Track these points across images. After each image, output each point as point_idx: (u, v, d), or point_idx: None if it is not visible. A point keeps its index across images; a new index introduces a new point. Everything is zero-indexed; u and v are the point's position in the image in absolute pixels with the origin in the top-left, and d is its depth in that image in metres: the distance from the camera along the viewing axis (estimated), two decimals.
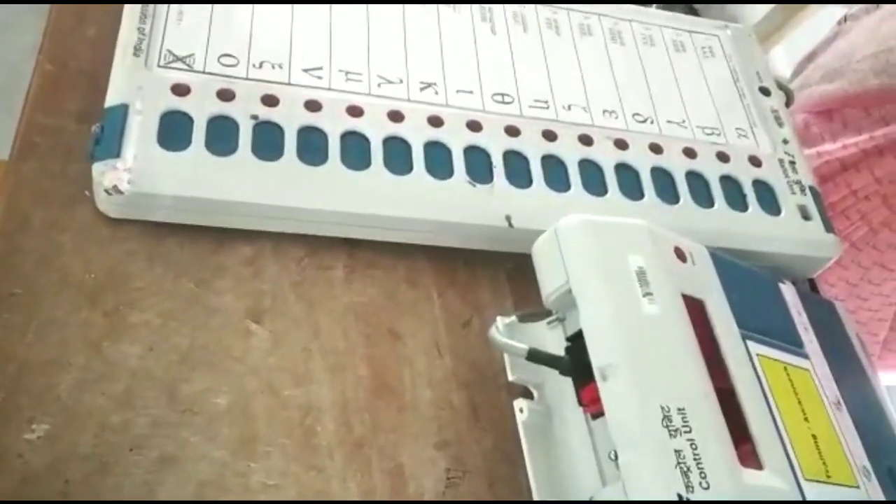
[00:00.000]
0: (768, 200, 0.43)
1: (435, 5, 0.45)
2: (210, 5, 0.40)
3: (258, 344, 0.34)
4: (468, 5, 0.46)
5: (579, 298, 0.31)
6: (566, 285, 0.32)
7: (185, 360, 0.33)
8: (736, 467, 0.28)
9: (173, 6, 0.39)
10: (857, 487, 0.33)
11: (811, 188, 0.45)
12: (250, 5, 0.41)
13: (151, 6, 0.39)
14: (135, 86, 0.36)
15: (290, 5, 0.41)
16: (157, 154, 0.34)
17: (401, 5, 0.44)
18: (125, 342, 0.32)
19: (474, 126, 0.40)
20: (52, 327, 0.32)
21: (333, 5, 0.42)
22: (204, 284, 0.35)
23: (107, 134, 0.34)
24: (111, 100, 0.35)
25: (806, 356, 0.37)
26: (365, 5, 0.43)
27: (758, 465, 0.30)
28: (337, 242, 0.38)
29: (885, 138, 0.64)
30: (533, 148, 0.41)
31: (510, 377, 0.35)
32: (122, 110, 0.35)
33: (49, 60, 0.39)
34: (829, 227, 0.44)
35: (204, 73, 0.38)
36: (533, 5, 0.47)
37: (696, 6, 0.75)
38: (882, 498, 0.34)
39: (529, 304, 0.37)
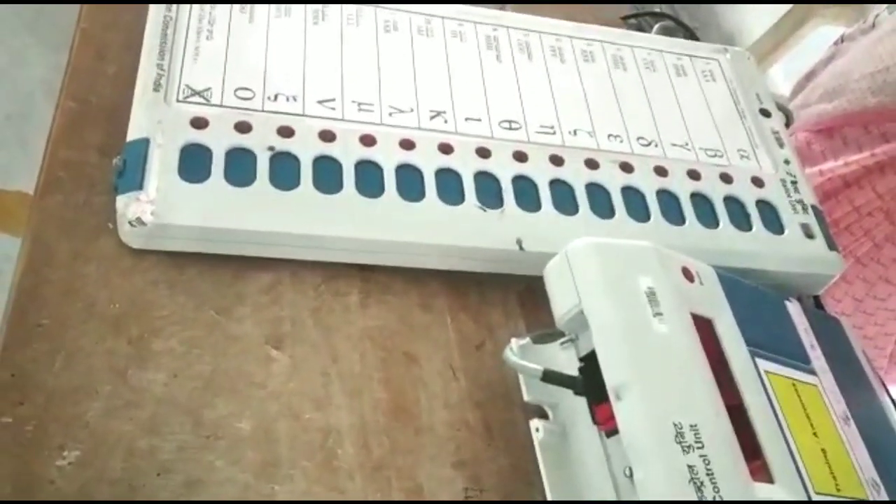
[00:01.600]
0: (772, 220, 0.44)
1: (443, 37, 0.46)
2: (226, 40, 0.41)
3: (278, 369, 0.35)
4: (474, 33, 0.47)
5: (591, 319, 0.32)
6: (578, 307, 0.33)
7: (208, 387, 0.34)
8: (748, 482, 0.29)
9: (191, 39, 0.41)
10: (867, 501, 0.34)
11: (813, 207, 0.46)
12: (264, 36, 0.42)
13: (170, 40, 0.40)
14: (155, 120, 0.37)
15: (302, 39, 0.43)
16: (178, 186, 0.35)
17: (409, 35, 0.45)
18: (150, 369, 0.33)
19: (483, 153, 0.41)
20: (79, 356, 0.33)
21: (344, 38, 0.43)
22: (224, 312, 0.36)
23: (129, 167, 0.36)
24: (133, 134, 0.37)
25: (813, 372, 0.38)
26: (375, 36, 0.44)
27: (769, 479, 0.30)
28: (352, 269, 0.39)
29: (885, 155, 0.65)
30: (541, 173, 0.42)
31: (526, 398, 0.35)
32: (144, 144, 0.36)
33: (71, 98, 0.40)
34: (832, 245, 0.44)
35: (221, 106, 0.39)
36: (538, 34, 0.48)
37: (694, 26, 0.76)
38: None
39: (540, 324, 0.38)
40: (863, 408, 0.39)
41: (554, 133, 0.44)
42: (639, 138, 0.46)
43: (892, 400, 0.42)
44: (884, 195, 0.67)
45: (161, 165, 0.36)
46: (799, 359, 0.38)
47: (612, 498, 0.31)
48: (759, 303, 0.39)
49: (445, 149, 0.41)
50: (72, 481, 0.30)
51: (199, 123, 0.38)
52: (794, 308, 0.41)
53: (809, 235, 0.44)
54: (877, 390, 0.43)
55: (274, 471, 0.33)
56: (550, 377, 0.33)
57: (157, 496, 0.30)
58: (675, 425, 0.29)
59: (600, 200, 0.42)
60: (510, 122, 0.44)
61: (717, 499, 0.27)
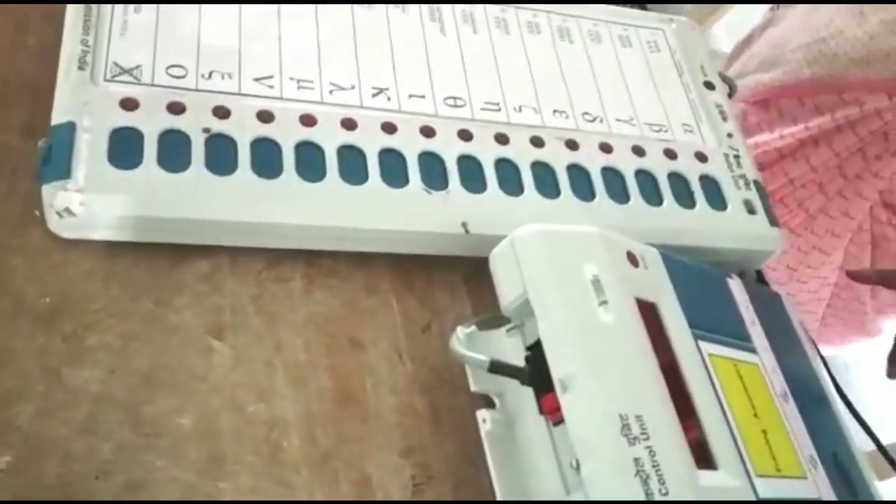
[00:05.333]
0: (715, 196, 0.45)
1: (384, 5, 0.44)
2: (155, 13, 0.39)
3: (220, 361, 0.34)
4: (417, 5, 0.45)
5: (537, 309, 0.32)
6: (524, 296, 0.33)
7: (147, 382, 0.33)
8: (692, 471, 0.29)
9: (117, 13, 0.38)
10: (805, 478, 0.35)
11: (755, 182, 0.46)
12: (196, 9, 0.40)
13: (94, 14, 0.38)
14: (81, 101, 0.35)
15: (237, 9, 0.41)
16: (108, 173, 0.34)
17: (349, 5, 0.44)
18: (85, 367, 0.32)
19: (428, 132, 0.41)
20: (9, 356, 0.31)
21: (281, 12, 0.42)
22: (162, 303, 0.35)
23: (55, 153, 0.34)
24: (57, 117, 0.35)
25: (754, 350, 0.38)
26: (314, 9, 0.43)
27: (712, 465, 0.31)
28: (295, 253, 0.38)
29: (819, 128, 0.66)
30: (486, 152, 0.41)
31: (472, 388, 0.35)
32: (70, 128, 0.34)
33: None
34: (773, 221, 0.45)
35: (153, 85, 0.37)
36: (482, 4, 0.47)
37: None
38: (828, 485, 0.36)
39: (487, 306, 0.38)
40: (800, 382, 0.40)
41: (499, 110, 0.43)
42: (584, 114, 0.45)
43: (830, 374, 0.44)
44: (817, 168, 0.69)
45: (89, 151, 0.34)
46: (740, 338, 0.38)
47: (560, 489, 0.31)
48: (701, 283, 0.39)
49: (389, 128, 0.40)
50: (5, 488, 0.29)
51: (128, 105, 0.36)
52: (735, 285, 0.41)
53: (751, 211, 0.45)
54: (813, 363, 0.44)
55: (218, 467, 0.32)
56: (497, 368, 0.32)
57: (97, 501, 0.29)
58: (621, 416, 0.29)
59: (546, 180, 0.41)
60: (455, 98, 0.43)
61: (662, 491, 0.28)
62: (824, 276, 0.74)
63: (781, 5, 0.76)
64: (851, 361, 1.22)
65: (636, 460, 0.28)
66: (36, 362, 0.32)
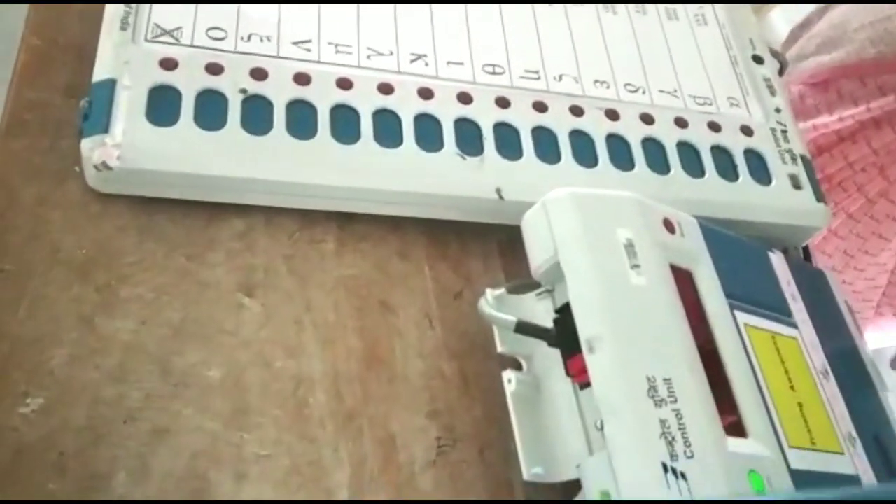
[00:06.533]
0: (759, 170, 0.43)
1: None
2: None
3: (250, 317, 0.35)
4: None
5: (567, 271, 0.31)
6: (554, 258, 0.32)
7: (177, 334, 0.33)
8: (720, 436, 0.29)
9: None
10: (843, 454, 0.34)
11: (802, 157, 0.45)
12: None
13: None
14: (122, 60, 0.36)
15: None
16: (145, 129, 0.34)
17: None
18: (117, 317, 0.33)
19: (465, 98, 0.40)
20: (44, 303, 0.32)
21: None
22: (196, 259, 0.35)
23: (95, 109, 0.34)
24: (99, 74, 0.35)
25: (794, 325, 0.37)
26: None
27: (742, 433, 0.30)
28: (328, 216, 0.38)
29: (881, 110, 0.64)
30: (523, 119, 0.41)
31: (499, 349, 0.35)
32: (110, 85, 0.35)
33: (36, 35, 0.39)
34: (819, 196, 0.44)
35: (192, 46, 0.37)
36: None
37: None
38: (867, 464, 0.34)
39: (520, 275, 0.37)
40: (843, 361, 0.39)
41: (538, 78, 0.43)
42: (626, 84, 0.44)
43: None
44: (878, 150, 0.66)
45: (128, 108, 0.34)
46: (780, 311, 0.37)
47: (584, 448, 0.31)
48: (741, 254, 0.38)
49: (425, 94, 0.40)
50: (36, 428, 0.29)
51: (168, 64, 0.36)
52: (777, 259, 0.40)
53: (797, 186, 0.43)
54: (858, 344, 0.42)
55: (243, 419, 0.32)
56: (524, 328, 0.32)
57: (124, 444, 0.30)
58: (648, 379, 0.28)
59: (584, 148, 0.41)
60: (493, 66, 0.42)
61: (688, 454, 0.27)
62: (883, 263, 0.72)
63: None
64: None
65: (662, 422, 0.27)
66: (70, 310, 0.32)
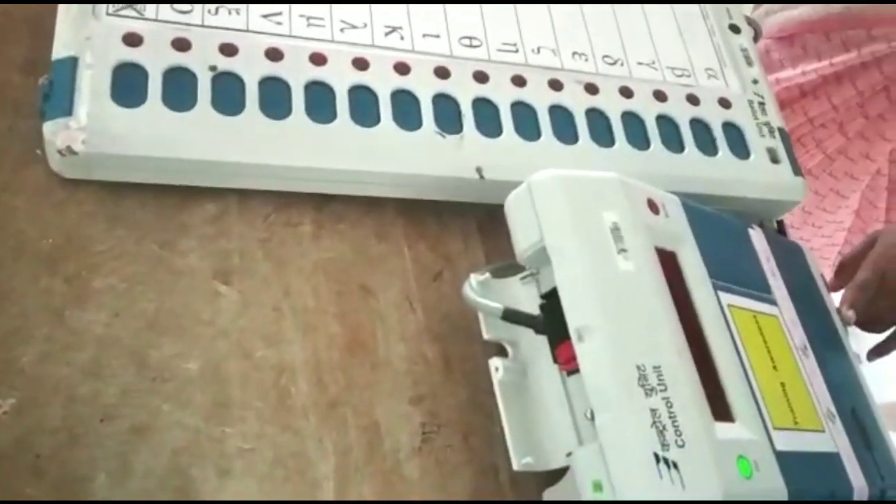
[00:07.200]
0: (738, 143, 0.43)
1: None
2: None
3: (227, 305, 0.34)
4: None
5: (554, 257, 0.31)
6: (540, 243, 0.31)
7: (152, 326, 0.32)
8: (709, 423, 0.29)
9: None
10: (823, 431, 0.34)
11: (780, 130, 0.45)
12: None
13: None
14: (83, 36, 0.34)
15: None
16: (111, 111, 0.33)
17: None
18: (89, 309, 0.31)
19: (442, 73, 0.39)
20: (12, 297, 0.31)
21: None
22: (168, 246, 0.34)
23: (56, 90, 0.33)
24: (59, 52, 0.33)
25: (774, 302, 0.37)
26: None
27: (729, 417, 0.30)
28: (304, 197, 0.37)
29: (844, 65, 0.64)
30: (502, 94, 0.40)
31: (485, 336, 0.35)
32: (71, 63, 0.33)
33: None
34: (797, 170, 0.44)
35: (157, 20, 0.36)
36: None
37: None
38: (846, 440, 0.35)
39: (500, 254, 0.37)
40: (820, 336, 0.39)
41: (516, 51, 0.42)
42: (604, 56, 0.44)
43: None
44: (838, 106, 0.66)
45: (92, 88, 0.33)
46: (760, 289, 0.37)
47: (573, 439, 0.30)
48: (722, 232, 0.38)
49: (402, 68, 0.38)
50: (9, 430, 0.28)
51: (132, 40, 0.34)
52: (756, 235, 0.40)
53: (775, 160, 0.43)
54: (833, 316, 0.43)
55: (224, 412, 0.31)
56: (511, 316, 0.32)
57: (102, 444, 0.29)
58: (638, 367, 0.28)
59: (564, 124, 0.40)
60: (470, 39, 0.41)
61: (679, 443, 0.27)
62: (840, 221, 0.73)
63: None
64: None
65: (653, 411, 0.27)
66: (39, 304, 0.31)
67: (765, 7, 0.76)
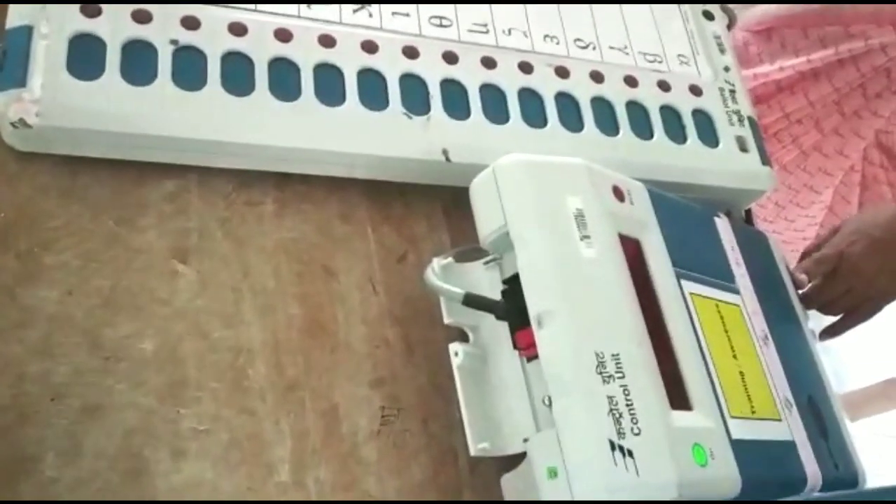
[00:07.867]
0: (707, 131, 0.43)
1: None
2: None
3: (185, 285, 0.33)
4: None
5: (517, 243, 0.31)
6: (504, 228, 0.31)
7: (107, 304, 0.31)
8: (666, 411, 0.29)
9: None
10: (780, 420, 0.34)
11: (749, 119, 0.45)
12: None
13: None
14: (38, 5, 0.33)
15: None
16: (67, 83, 0.32)
17: None
18: (41, 286, 0.31)
19: (411, 52, 0.38)
20: None
21: None
22: (125, 223, 0.33)
23: (10, 60, 0.32)
24: (12, 20, 0.32)
25: (737, 291, 0.38)
26: None
27: (687, 406, 0.30)
28: (267, 175, 0.37)
29: (821, 62, 0.64)
30: (471, 76, 0.39)
31: (446, 320, 0.34)
32: (26, 33, 0.32)
33: None
34: (765, 160, 0.44)
35: None
36: None
37: None
38: (801, 428, 0.35)
39: (465, 237, 0.36)
40: (781, 325, 0.39)
41: (487, 32, 0.41)
42: (576, 40, 0.43)
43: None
44: (815, 103, 0.67)
45: (47, 59, 0.32)
46: (724, 277, 0.37)
47: (531, 425, 0.30)
48: (688, 221, 0.38)
49: (369, 47, 0.38)
50: None
51: (90, 11, 0.33)
52: (722, 224, 0.40)
53: (744, 149, 0.43)
54: (795, 306, 0.43)
55: (180, 393, 0.31)
56: (472, 301, 0.31)
57: (52, 423, 0.29)
58: (596, 355, 0.28)
59: (533, 108, 0.40)
60: (440, 18, 0.41)
61: (635, 430, 0.27)
62: (812, 216, 0.73)
63: None
64: None
65: (610, 398, 0.27)
66: None
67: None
